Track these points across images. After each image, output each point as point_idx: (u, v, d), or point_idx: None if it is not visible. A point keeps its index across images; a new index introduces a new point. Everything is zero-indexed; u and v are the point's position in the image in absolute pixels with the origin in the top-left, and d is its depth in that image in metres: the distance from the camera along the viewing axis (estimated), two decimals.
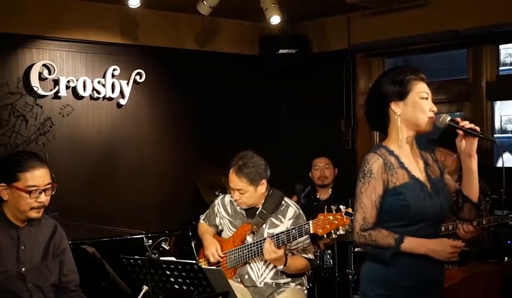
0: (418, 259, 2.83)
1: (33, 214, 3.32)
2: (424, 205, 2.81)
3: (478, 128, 2.85)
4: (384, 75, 3.01)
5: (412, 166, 2.91)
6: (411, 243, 2.79)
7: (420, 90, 2.90)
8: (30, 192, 3.27)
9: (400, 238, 2.79)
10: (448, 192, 2.95)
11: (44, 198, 3.32)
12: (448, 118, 2.88)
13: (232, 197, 4.16)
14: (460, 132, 2.86)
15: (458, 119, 2.88)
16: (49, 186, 3.34)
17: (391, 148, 2.91)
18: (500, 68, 6.16)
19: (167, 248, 3.82)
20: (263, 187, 4.06)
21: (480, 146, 2.97)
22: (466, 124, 2.85)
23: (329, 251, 5.10)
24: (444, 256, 2.80)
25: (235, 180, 4.03)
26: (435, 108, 2.90)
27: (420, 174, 2.90)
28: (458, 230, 4.08)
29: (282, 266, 3.93)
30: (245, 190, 4.03)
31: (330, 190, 5.78)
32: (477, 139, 2.85)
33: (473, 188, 2.91)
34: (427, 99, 2.90)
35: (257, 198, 4.08)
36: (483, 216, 4.21)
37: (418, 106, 2.87)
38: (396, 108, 2.89)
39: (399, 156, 2.89)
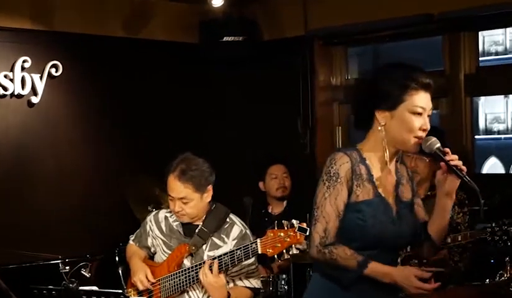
0: (370, 287, 2.86)
1: None
2: (384, 230, 2.85)
3: (464, 168, 2.86)
4: (380, 71, 2.98)
5: (382, 182, 2.93)
6: (376, 270, 2.80)
7: (415, 103, 2.87)
8: None
9: (364, 262, 2.79)
10: (414, 219, 2.99)
11: None
12: (437, 145, 2.89)
13: (170, 209, 4.12)
14: (444, 166, 2.87)
15: (447, 149, 2.90)
16: None
17: (365, 154, 2.93)
18: (483, 58, 6.26)
19: (87, 276, 3.80)
20: (208, 195, 4.06)
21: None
22: (454, 159, 2.85)
23: (284, 276, 5.12)
24: (411, 291, 2.82)
25: (177, 188, 4.00)
26: (427, 126, 2.90)
27: (388, 194, 2.93)
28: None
29: None
30: (189, 199, 4.00)
31: (285, 203, 5.79)
32: (460, 180, 2.86)
33: (440, 229, 2.96)
34: (421, 114, 2.88)
35: (201, 210, 4.07)
36: (461, 230, 4.25)
37: (406, 122, 2.87)
38: (381, 118, 2.90)
39: (371, 168, 2.92)
